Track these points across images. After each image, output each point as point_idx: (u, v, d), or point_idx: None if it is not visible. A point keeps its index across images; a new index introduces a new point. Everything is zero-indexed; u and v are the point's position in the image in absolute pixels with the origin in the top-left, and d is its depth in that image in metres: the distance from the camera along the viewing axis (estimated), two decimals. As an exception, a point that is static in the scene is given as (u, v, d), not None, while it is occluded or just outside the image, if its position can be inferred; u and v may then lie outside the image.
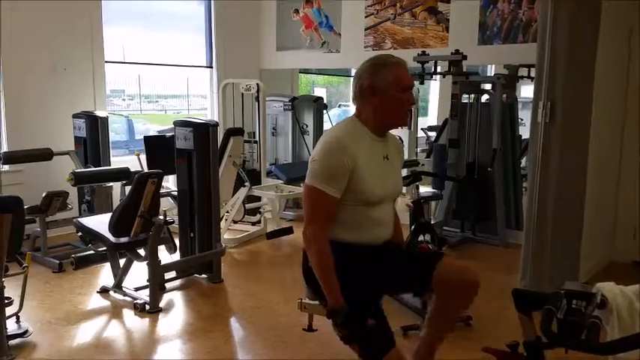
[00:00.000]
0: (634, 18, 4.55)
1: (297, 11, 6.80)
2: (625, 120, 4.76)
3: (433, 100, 8.40)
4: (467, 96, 5.53)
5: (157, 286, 3.78)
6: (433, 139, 7.18)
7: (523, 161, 6.09)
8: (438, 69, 5.40)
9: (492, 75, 6.11)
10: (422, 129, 7.90)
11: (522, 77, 5.79)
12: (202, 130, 4.15)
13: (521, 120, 6.01)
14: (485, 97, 5.59)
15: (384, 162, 2.17)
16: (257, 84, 5.75)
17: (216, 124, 4.28)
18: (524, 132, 6.01)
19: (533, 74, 5.50)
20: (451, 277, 2.14)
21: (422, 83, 5.57)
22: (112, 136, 5.31)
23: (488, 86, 5.63)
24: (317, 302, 2.10)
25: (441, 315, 2.25)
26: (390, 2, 6.02)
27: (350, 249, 2.11)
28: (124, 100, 10.20)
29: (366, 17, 6.21)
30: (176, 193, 4.62)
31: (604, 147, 4.43)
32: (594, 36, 3.86)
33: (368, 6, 6.19)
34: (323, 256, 2.05)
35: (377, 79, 2.09)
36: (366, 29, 6.21)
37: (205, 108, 7.33)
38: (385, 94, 2.09)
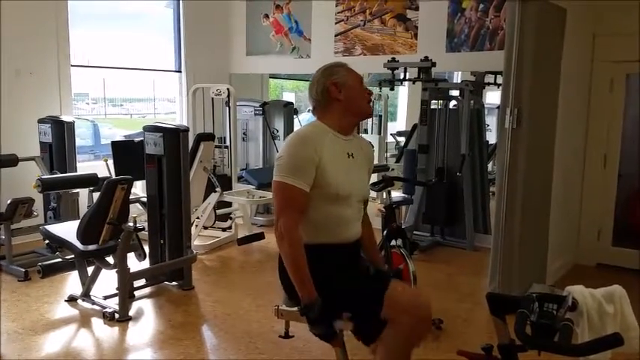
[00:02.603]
0: (597, 26, 4.70)
1: (267, 16, 6.80)
2: (588, 125, 4.90)
3: (402, 105, 8.48)
4: (435, 102, 5.62)
5: (126, 294, 3.72)
6: (402, 144, 7.26)
7: (489, 166, 6.22)
8: (407, 75, 5.47)
9: (459, 82, 6.22)
10: (391, 134, 7.98)
11: (489, 84, 5.91)
12: (173, 136, 4.10)
13: (487, 125, 6.14)
14: (453, 103, 5.69)
15: (349, 159, 2.20)
16: (227, 89, 5.72)
17: (186, 129, 4.24)
18: (490, 137, 6.15)
19: (499, 81, 5.66)
20: (403, 300, 2.06)
21: (392, 89, 5.64)
22: (77, 141, 5.21)
23: (455, 92, 5.74)
24: (294, 308, 2.08)
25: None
26: (359, 9, 6.07)
27: (322, 251, 2.11)
28: (87, 103, 9.99)
29: (336, 23, 6.25)
30: (145, 199, 4.56)
31: (568, 151, 4.55)
32: (559, 43, 3.99)
33: (338, 12, 6.23)
34: (295, 248, 2.02)
35: (336, 76, 2.19)
36: (336, 35, 6.25)
37: (173, 112, 7.26)
38: (347, 87, 2.18)
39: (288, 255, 2.04)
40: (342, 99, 2.17)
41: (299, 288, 2.02)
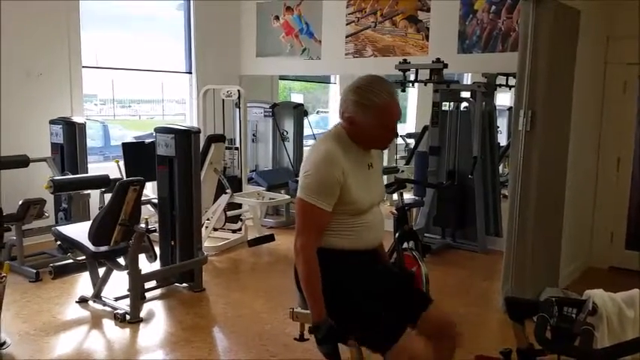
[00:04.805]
0: (610, 27, 4.66)
1: (277, 18, 6.79)
2: (601, 127, 4.86)
3: (411, 107, 8.45)
4: (446, 104, 5.59)
5: (137, 295, 3.72)
6: (412, 146, 7.23)
7: (500, 168, 6.18)
8: (419, 77, 5.44)
9: (470, 83, 6.19)
10: (401, 136, 7.95)
11: (500, 85, 5.88)
12: (184, 137, 4.10)
13: (498, 127, 6.11)
14: (464, 105, 5.65)
15: (369, 170, 2.21)
16: (238, 90, 5.71)
17: (198, 131, 4.23)
18: (500, 139, 6.12)
19: (511, 82, 5.62)
20: (436, 324, 2.17)
21: (403, 91, 5.62)
22: (87, 142, 5.21)
23: (466, 94, 5.70)
24: (309, 311, 2.07)
25: None
26: (370, 10, 6.06)
27: (343, 256, 2.11)
28: (96, 105, 10.02)
29: (346, 25, 6.23)
30: (156, 200, 4.56)
31: (582, 154, 4.51)
32: (573, 45, 3.96)
33: (349, 14, 6.22)
34: (310, 269, 2.04)
35: (359, 116, 2.08)
36: (346, 36, 6.23)
37: (182, 114, 7.26)
38: (364, 129, 2.10)
39: (302, 274, 2.06)
40: (356, 132, 2.12)
41: (311, 307, 2.05)
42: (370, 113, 2.07)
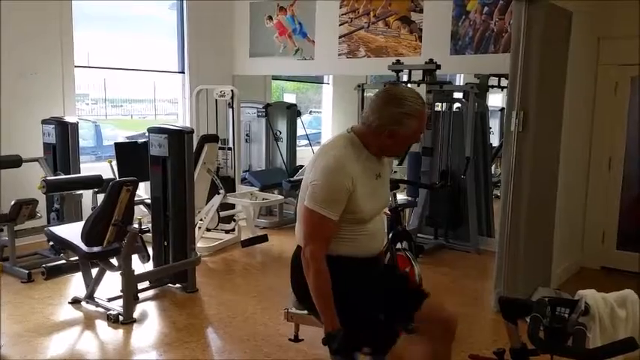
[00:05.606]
0: (602, 29, 4.70)
1: (270, 18, 6.79)
2: (593, 128, 4.90)
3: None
4: (439, 104, 5.61)
5: (130, 296, 3.71)
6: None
7: (492, 168, 6.21)
8: (412, 78, 5.46)
9: (462, 84, 6.22)
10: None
11: (493, 86, 5.91)
12: (177, 137, 4.09)
13: (490, 128, 6.14)
14: (456, 106, 5.67)
15: (377, 180, 2.20)
16: (231, 90, 5.71)
17: (191, 131, 4.23)
18: (492, 140, 6.15)
19: (503, 83, 5.65)
20: (433, 316, 2.22)
21: (395, 91, 5.62)
22: (80, 142, 5.18)
23: (458, 95, 5.72)
24: (304, 311, 2.08)
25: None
26: (363, 11, 6.07)
27: (347, 262, 2.12)
28: (87, 104, 9.98)
29: (340, 25, 6.24)
30: (149, 200, 4.55)
31: (573, 154, 4.54)
32: (565, 46, 3.99)
33: (342, 14, 6.23)
34: (321, 279, 2.03)
35: (402, 128, 2.07)
36: (340, 37, 6.24)
37: (174, 113, 7.24)
38: (401, 139, 2.11)
39: (314, 284, 2.05)
40: (389, 143, 2.12)
41: (323, 316, 2.04)
42: (413, 121, 2.07)
